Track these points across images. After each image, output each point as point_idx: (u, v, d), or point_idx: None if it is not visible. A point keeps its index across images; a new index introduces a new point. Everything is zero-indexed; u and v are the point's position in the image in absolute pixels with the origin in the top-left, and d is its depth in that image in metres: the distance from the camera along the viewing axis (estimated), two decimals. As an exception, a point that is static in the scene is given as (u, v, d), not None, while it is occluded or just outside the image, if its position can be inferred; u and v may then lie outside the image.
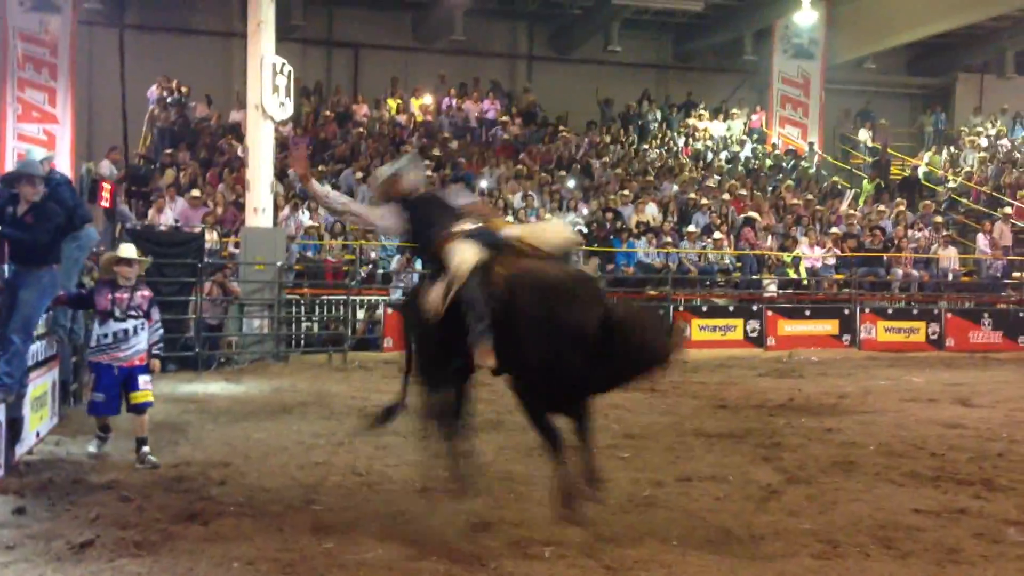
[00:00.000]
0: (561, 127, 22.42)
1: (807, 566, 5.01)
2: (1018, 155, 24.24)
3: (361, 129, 20.17)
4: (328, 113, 20.77)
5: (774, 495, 6.39)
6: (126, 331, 7.26)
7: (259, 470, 7.01)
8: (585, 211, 18.27)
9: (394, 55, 23.70)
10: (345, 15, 23.74)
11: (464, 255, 5.50)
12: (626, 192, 18.99)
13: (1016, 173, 22.69)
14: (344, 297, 14.40)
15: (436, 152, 19.30)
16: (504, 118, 21.87)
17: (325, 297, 14.73)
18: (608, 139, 22.19)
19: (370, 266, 15.55)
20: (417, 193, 6.11)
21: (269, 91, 13.62)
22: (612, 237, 17.14)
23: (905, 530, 5.61)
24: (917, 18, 22.94)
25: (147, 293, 7.49)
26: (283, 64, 13.86)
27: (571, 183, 19.51)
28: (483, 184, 18.43)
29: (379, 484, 6.65)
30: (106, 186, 12.21)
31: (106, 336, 7.25)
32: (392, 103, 21.66)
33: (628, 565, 4.93)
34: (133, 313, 7.30)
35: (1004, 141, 25.20)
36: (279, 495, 6.27)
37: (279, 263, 13.71)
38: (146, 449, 7.20)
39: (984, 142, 24.86)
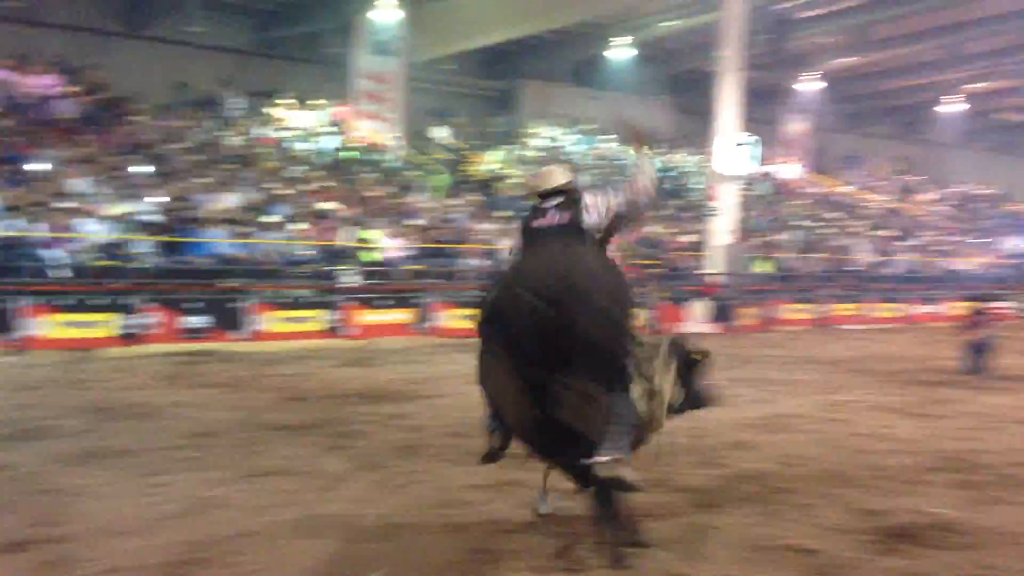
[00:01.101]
0: (132, 109, 20.85)
1: (363, 551, 5.12)
2: (569, 157, 27.13)
3: None
4: None
5: (342, 483, 6.48)
6: None
7: None
8: (158, 199, 17.20)
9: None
10: None
11: None
12: (204, 180, 18.22)
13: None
14: None
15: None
16: (66, 96, 19.82)
17: None
18: (185, 124, 21.09)
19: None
20: None
21: None
22: (187, 226, 16.35)
23: (460, 505, 5.97)
24: (487, 25, 24.61)
25: None
26: None
27: (142, 169, 18.24)
28: (38, 167, 16.61)
29: None
30: None
31: None
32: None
33: (187, 559, 4.86)
34: None
35: (561, 143, 28.08)
36: None
37: None
38: None
39: (542, 143, 27.49)
